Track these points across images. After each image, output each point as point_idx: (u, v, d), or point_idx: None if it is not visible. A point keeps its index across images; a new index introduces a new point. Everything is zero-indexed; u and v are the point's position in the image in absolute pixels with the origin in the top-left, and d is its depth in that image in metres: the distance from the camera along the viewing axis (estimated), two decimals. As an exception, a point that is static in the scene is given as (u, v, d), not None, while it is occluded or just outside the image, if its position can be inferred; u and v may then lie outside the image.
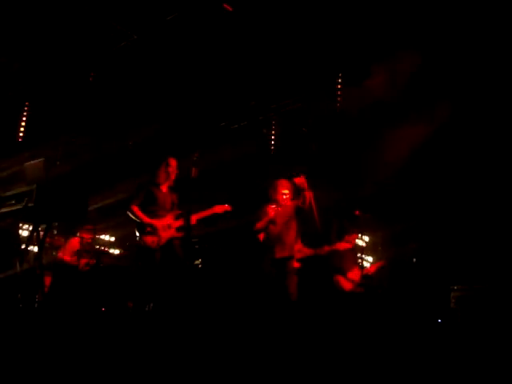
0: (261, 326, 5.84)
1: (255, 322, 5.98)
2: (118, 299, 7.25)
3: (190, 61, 9.07)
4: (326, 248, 7.68)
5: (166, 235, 6.43)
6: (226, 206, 6.91)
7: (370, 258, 10.01)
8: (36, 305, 5.73)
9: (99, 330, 5.54)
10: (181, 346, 4.76)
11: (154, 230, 6.37)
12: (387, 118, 8.63)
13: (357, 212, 7.98)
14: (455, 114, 7.95)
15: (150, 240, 6.34)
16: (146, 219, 6.38)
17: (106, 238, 9.80)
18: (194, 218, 6.56)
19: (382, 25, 7.68)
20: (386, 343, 5.57)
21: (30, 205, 5.89)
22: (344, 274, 8.01)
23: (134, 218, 6.42)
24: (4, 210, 6.34)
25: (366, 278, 7.99)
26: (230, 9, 7.85)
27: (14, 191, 6.20)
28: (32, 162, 6.16)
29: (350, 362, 4.66)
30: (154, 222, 6.41)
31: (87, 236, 8.55)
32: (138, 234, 6.42)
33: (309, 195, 6.27)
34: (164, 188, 6.69)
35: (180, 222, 6.58)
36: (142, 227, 6.40)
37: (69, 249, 8.32)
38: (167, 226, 6.47)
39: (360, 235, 8.84)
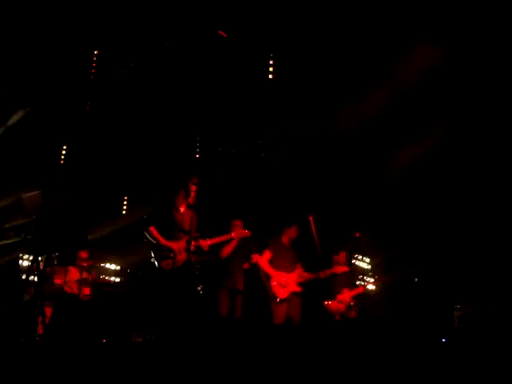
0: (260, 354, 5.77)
1: (253, 348, 5.89)
2: (119, 328, 7.17)
3: (185, 86, 9.13)
4: (327, 271, 7.63)
5: (182, 258, 6.20)
6: (246, 232, 6.79)
7: (372, 280, 9.96)
8: (37, 338, 5.68)
9: (102, 362, 5.48)
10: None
11: (170, 253, 6.18)
12: (384, 138, 8.65)
13: (357, 234, 7.94)
14: (455, 132, 7.94)
15: (165, 263, 6.14)
16: (163, 241, 6.19)
17: (106, 266, 9.74)
18: (205, 244, 6.37)
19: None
20: (390, 364, 5.50)
21: (29, 237, 5.90)
22: (334, 297, 7.89)
23: (150, 239, 6.23)
24: (3, 242, 6.35)
25: (357, 298, 7.89)
26: (224, 35, 7.96)
27: (13, 223, 6.20)
28: (30, 193, 6.18)
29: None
30: (171, 244, 6.21)
31: (87, 265, 8.47)
32: (153, 255, 6.21)
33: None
34: (182, 208, 6.44)
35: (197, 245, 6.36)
36: (158, 249, 6.21)
37: (69, 278, 8.23)
38: (184, 248, 6.22)
39: (355, 255, 8.81)
